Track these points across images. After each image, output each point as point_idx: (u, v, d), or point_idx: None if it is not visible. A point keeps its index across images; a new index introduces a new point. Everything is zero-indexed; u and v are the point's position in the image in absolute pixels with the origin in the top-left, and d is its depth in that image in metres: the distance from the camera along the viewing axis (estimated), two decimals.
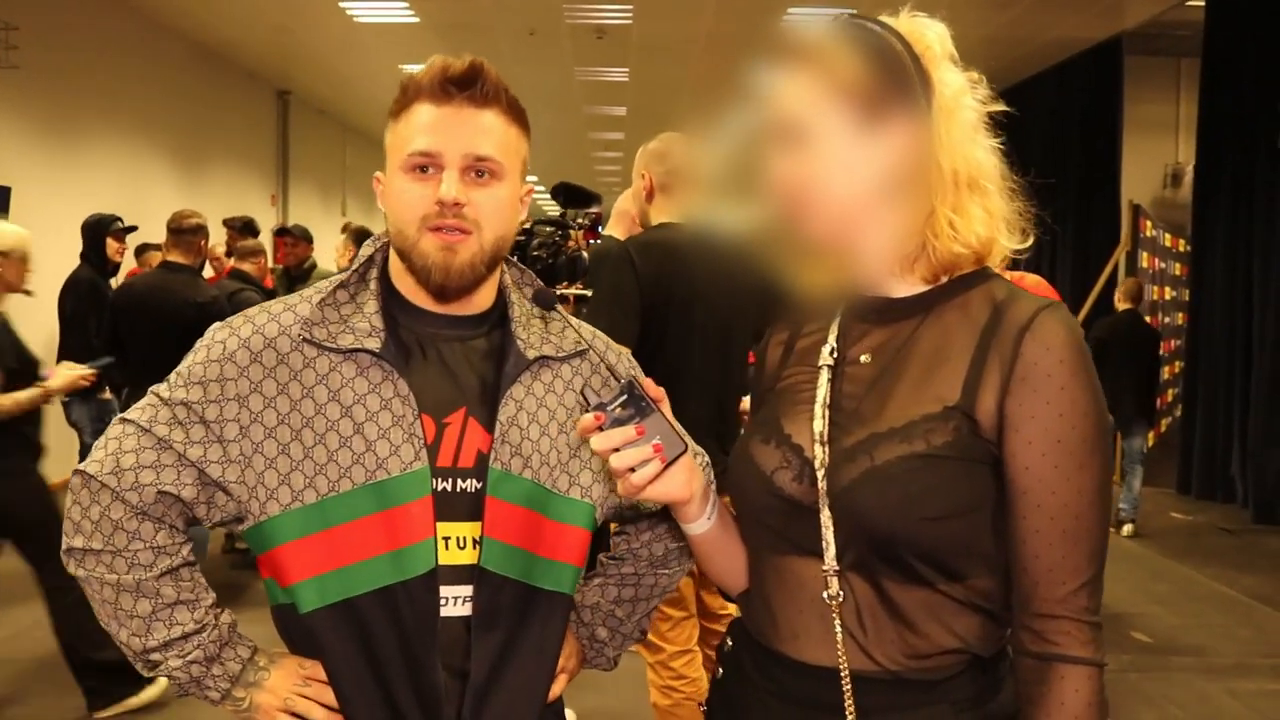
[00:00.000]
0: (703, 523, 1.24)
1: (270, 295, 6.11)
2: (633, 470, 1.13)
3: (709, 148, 15.99)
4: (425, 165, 1.27)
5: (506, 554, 1.29)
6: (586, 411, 1.15)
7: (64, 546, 1.30)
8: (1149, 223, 8.71)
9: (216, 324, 1.34)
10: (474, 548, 1.29)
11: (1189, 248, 8.89)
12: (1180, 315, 9.69)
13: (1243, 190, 7.81)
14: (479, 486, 1.30)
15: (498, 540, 1.29)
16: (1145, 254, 8.58)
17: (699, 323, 2.85)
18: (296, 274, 6.63)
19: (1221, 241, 8.08)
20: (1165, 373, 9.91)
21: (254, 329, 1.30)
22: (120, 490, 1.26)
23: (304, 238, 6.73)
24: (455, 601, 1.28)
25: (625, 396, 1.14)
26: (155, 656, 1.29)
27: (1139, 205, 8.38)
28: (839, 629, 1.11)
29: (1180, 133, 10.67)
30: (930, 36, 1.15)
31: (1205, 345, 8.25)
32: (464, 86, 1.28)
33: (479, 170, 1.28)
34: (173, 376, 1.31)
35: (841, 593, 1.11)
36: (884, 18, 1.16)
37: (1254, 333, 7.73)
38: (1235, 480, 7.93)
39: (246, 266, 5.92)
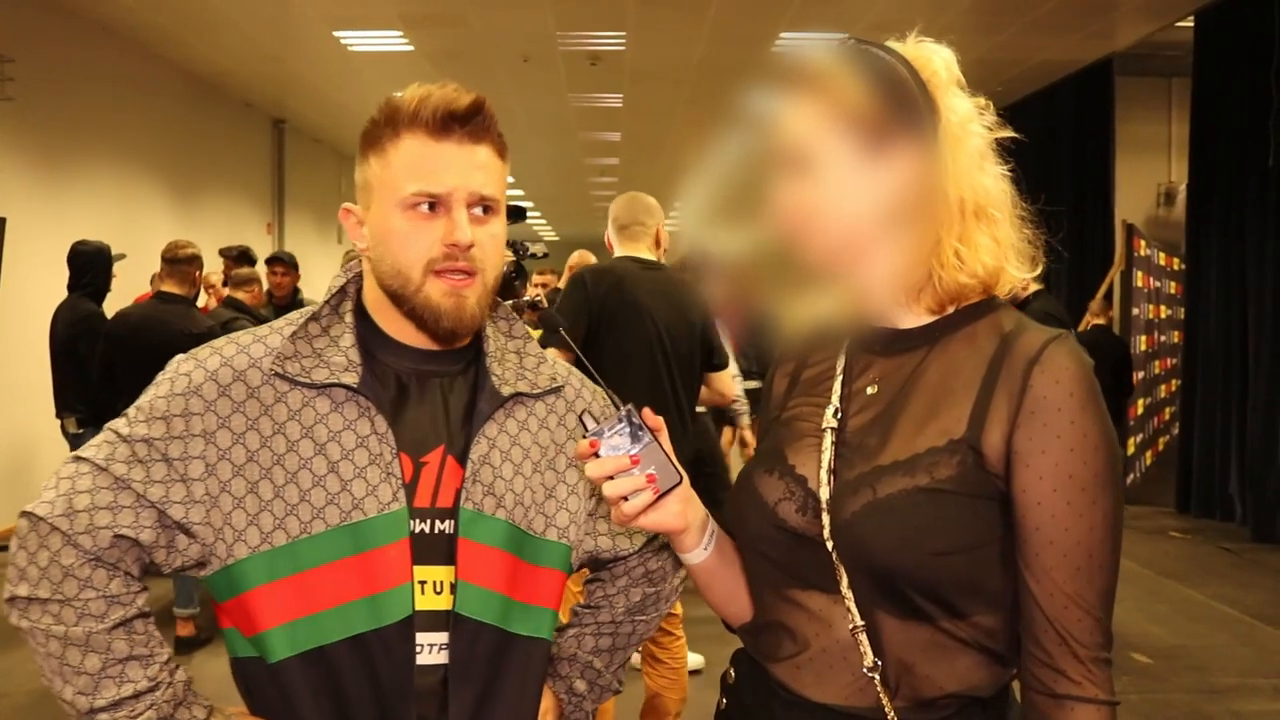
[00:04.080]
0: (699, 553, 1.22)
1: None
2: (626, 499, 1.12)
3: (702, 172, 16.03)
4: (430, 204, 1.22)
5: (482, 598, 1.24)
6: (584, 437, 1.14)
7: (7, 595, 1.20)
8: (1143, 242, 8.73)
9: (179, 356, 1.27)
10: (450, 592, 1.24)
11: (1183, 266, 8.91)
12: (1176, 334, 9.69)
13: (1235, 208, 7.83)
14: (455, 528, 1.25)
15: (473, 584, 1.24)
16: (1140, 273, 8.61)
17: (644, 342, 3.31)
18: (284, 303, 6.63)
19: (1216, 259, 8.10)
20: (1162, 390, 9.91)
21: (221, 361, 1.24)
22: (73, 534, 1.16)
23: (294, 265, 6.74)
24: (430, 649, 1.23)
25: (621, 425, 1.14)
26: (103, 717, 1.18)
27: (1133, 225, 8.41)
28: (876, 682, 1.08)
29: (1173, 152, 10.70)
30: (937, 62, 1.13)
31: (1202, 363, 8.26)
32: (465, 121, 1.23)
33: (483, 207, 1.25)
34: (132, 411, 1.23)
35: (879, 661, 1.08)
36: (890, 42, 1.14)
37: (1250, 350, 7.74)
38: (1234, 498, 7.91)
39: (241, 295, 5.90)
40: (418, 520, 1.24)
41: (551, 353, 1.46)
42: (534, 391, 1.33)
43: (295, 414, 1.23)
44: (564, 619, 1.48)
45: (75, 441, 5.55)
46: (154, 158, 9.51)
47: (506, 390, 1.30)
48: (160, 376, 1.26)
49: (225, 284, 7.13)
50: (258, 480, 1.21)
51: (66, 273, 5.70)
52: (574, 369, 1.43)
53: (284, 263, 6.72)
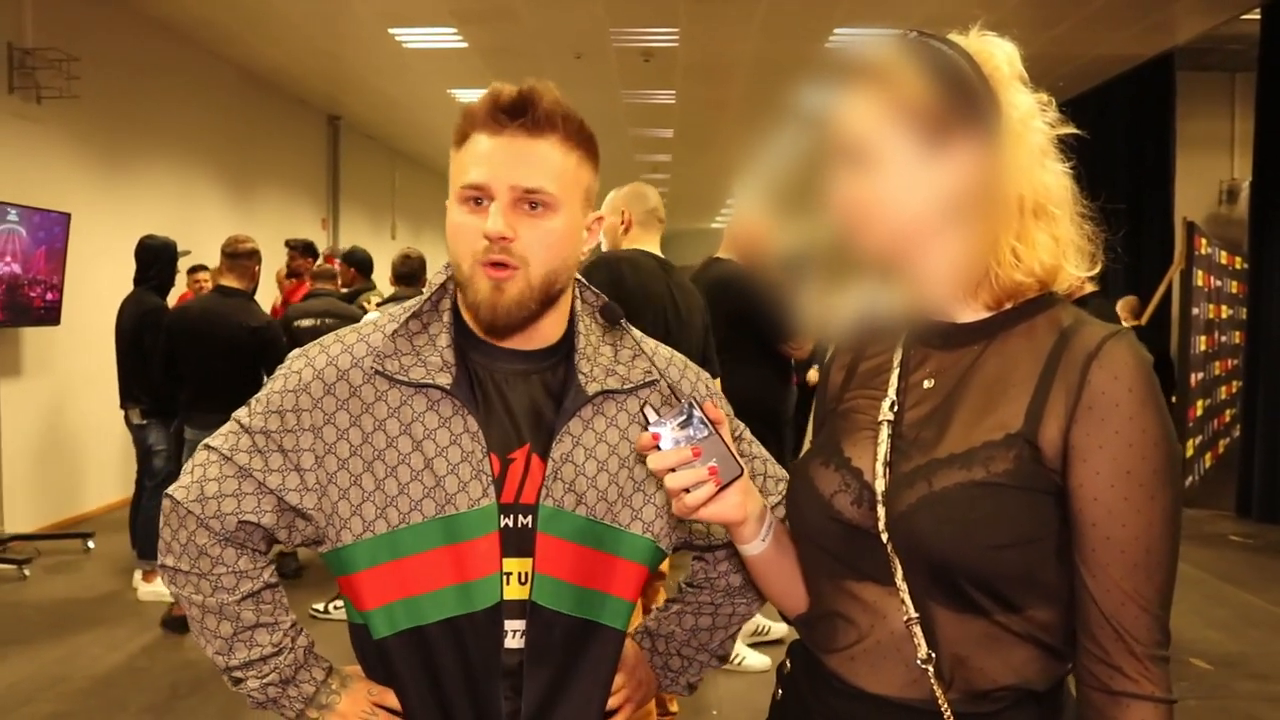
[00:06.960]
0: (757, 544, 1.23)
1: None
2: (687, 491, 1.13)
3: (755, 167, 15.99)
4: (477, 198, 1.26)
5: (558, 589, 1.30)
6: (645, 429, 1.15)
7: (159, 562, 1.37)
8: (1204, 240, 8.57)
9: (295, 352, 1.36)
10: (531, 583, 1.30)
11: (1245, 265, 8.73)
12: (1237, 334, 9.51)
13: None
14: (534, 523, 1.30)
15: (549, 576, 1.29)
16: (1200, 272, 8.44)
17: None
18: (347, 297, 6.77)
19: None
20: (1223, 392, 9.73)
21: (328, 360, 1.32)
22: (204, 518, 1.31)
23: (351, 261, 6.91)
24: (514, 635, 1.29)
25: (684, 418, 1.15)
26: (237, 674, 1.35)
27: (1193, 223, 8.24)
28: (930, 674, 1.08)
29: (1235, 148, 10.50)
30: (999, 56, 1.12)
31: (1264, 364, 8.08)
32: (515, 115, 1.25)
33: (531, 202, 1.26)
34: (253, 403, 1.34)
35: (932, 654, 1.08)
36: (953, 36, 1.14)
37: None
38: None
39: (329, 288, 6.11)
40: (504, 515, 1.29)
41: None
42: (624, 387, 1.35)
43: (394, 411, 1.30)
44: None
45: (139, 432, 5.66)
46: (212, 153, 9.67)
47: (593, 388, 1.33)
48: (278, 370, 1.36)
49: (290, 276, 7.34)
50: (360, 473, 1.29)
51: (128, 266, 5.82)
52: (674, 358, 1.45)
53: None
